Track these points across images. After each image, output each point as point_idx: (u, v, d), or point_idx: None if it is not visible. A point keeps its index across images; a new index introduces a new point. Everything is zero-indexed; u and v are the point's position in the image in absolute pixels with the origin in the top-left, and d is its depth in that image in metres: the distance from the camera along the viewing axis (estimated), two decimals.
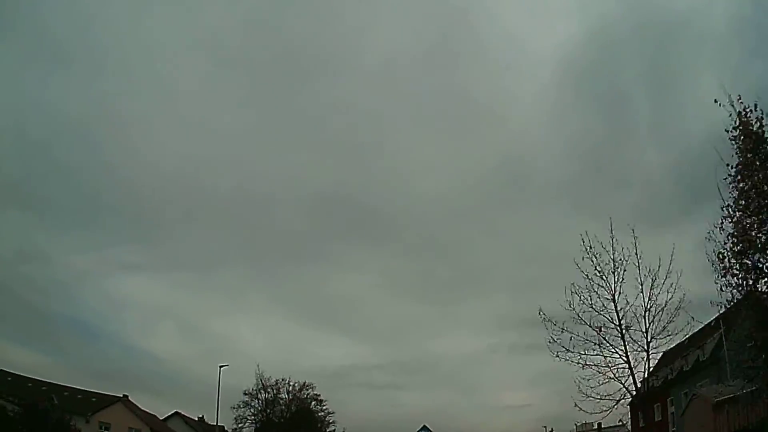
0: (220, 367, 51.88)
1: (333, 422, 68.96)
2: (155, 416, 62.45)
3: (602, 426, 62.50)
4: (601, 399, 20.03)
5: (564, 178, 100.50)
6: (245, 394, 64.92)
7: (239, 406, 64.68)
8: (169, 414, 68.17)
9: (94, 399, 57.31)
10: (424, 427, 32.19)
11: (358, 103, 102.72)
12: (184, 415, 67.99)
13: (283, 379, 66.69)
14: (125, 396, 59.10)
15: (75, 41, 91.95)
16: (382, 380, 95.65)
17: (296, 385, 67.14)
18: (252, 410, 65.49)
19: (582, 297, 19.58)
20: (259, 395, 65.87)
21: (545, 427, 68.52)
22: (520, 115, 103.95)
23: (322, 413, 68.72)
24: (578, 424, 72.11)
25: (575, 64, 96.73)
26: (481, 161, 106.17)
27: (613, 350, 19.44)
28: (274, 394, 66.53)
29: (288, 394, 67.41)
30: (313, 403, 68.19)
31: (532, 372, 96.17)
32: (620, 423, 67.12)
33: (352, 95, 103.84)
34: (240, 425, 65.36)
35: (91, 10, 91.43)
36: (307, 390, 67.79)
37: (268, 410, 65.84)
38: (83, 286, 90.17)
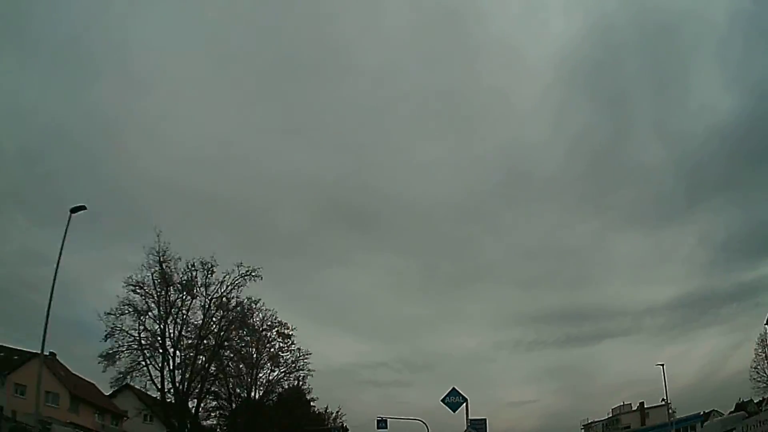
0: (72, 210, 27.13)
1: (309, 371, 49.42)
2: (93, 384, 49.47)
3: (645, 405, 63.15)
4: None
5: (566, 175, 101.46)
6: (128, 284, 37.13)
7: (118, 312, 36.48)
8: (119, 387, 56.03)
9: (16, 357, 45.22)
10: (454, 389, 26.83)
11: (361, 102, 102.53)
12: (136, 389, 55.34)
13: (206, 264, 38.71)
14: (52, 354, 46.50)
15: (73, 43, 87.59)
16: (388, 377, 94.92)
17: (234, 274, 39.20)
18: (139, 316, 37.02)
19: None
20: (154, 287, 37.41)
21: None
22: (522, 114, 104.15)
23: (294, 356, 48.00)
24: (615, 407, 68.20)
25: (577, 63, 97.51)
26: (484, 159, 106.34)
27: None
28: (183, 289, 38.21)
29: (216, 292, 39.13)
30: (277, 338, 46.40)
31: (536, 368, 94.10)
32: (663, 402, 58.69)
33: (355, 95, 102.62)
34: (113, 350, 36.23)
35: (90, 12, 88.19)
36: (246, 281, 39.59)
37: (176, 325, 37.89)
38: (84, 287, 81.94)
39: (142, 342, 37.08)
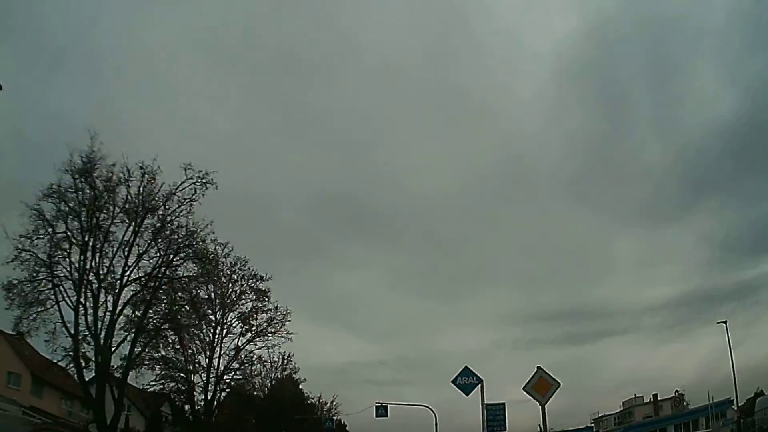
0: None
1: (288, 334, 41.45)
2: (64, 369, 45.16)
3: (658, 397, 61.01)
4: None
5: (564, 174, 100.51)
6: (43, 194, 27.16)
7: (33, 235, 26.91)
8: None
9: None
10: (466, 368, 23.19)
11: (359, 101, 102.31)
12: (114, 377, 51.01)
13: (146, 167, 28.30)
14: (20, 333, 42.30)
15: (73, 43, 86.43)
16: (386, 376, 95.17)
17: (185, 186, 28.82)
18: (51, 232, 27.25)
19: None
20: (75, 190, 27.50)
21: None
22: (520, 111, 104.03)
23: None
24: (626, 400, 66.40)
25: (574, 60, 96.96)
26: (482, 157, 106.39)
27: None
28: (106, 189, 28.15)
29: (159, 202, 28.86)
30: (249, 293, 38.68)
31: (535, 367, 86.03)
32: (675, 393, 58.67)
33: (353, 94, 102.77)
34: (16, 280, 26.52)
35: (90, 12, 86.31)
36: (198, 192, 29.00)
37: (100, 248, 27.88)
38: None
39: (53, 267, 27.03)
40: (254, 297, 39.07)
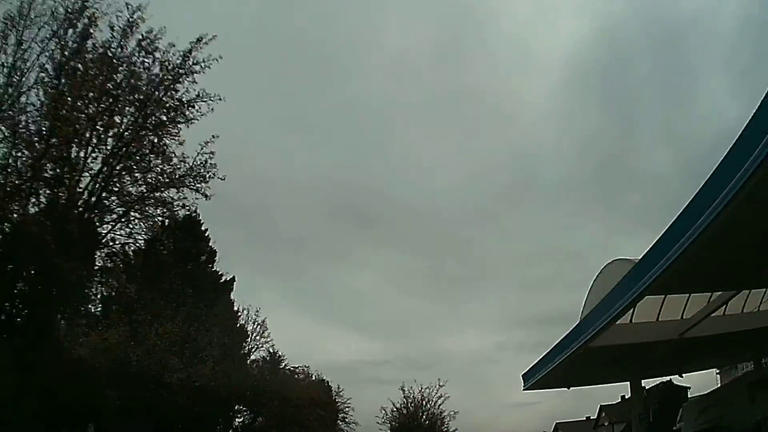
0: None
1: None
2: None
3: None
4: None
5: (573, 178, 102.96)
6: None
7: None
8: None
9: None
10: None
11: (367, 101, 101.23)
12: None
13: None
14: None
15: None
16: (391, 376, 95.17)
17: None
18: None
19: None
20: None
21: None
22: (529, 114, 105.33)
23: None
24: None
25: (584, 64, 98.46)
26: (490, 160, 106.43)
27: None
28: None
29: None
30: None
31: None
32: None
33: (362, 93, 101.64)
34: None
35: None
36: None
37: None
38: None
39: None
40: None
